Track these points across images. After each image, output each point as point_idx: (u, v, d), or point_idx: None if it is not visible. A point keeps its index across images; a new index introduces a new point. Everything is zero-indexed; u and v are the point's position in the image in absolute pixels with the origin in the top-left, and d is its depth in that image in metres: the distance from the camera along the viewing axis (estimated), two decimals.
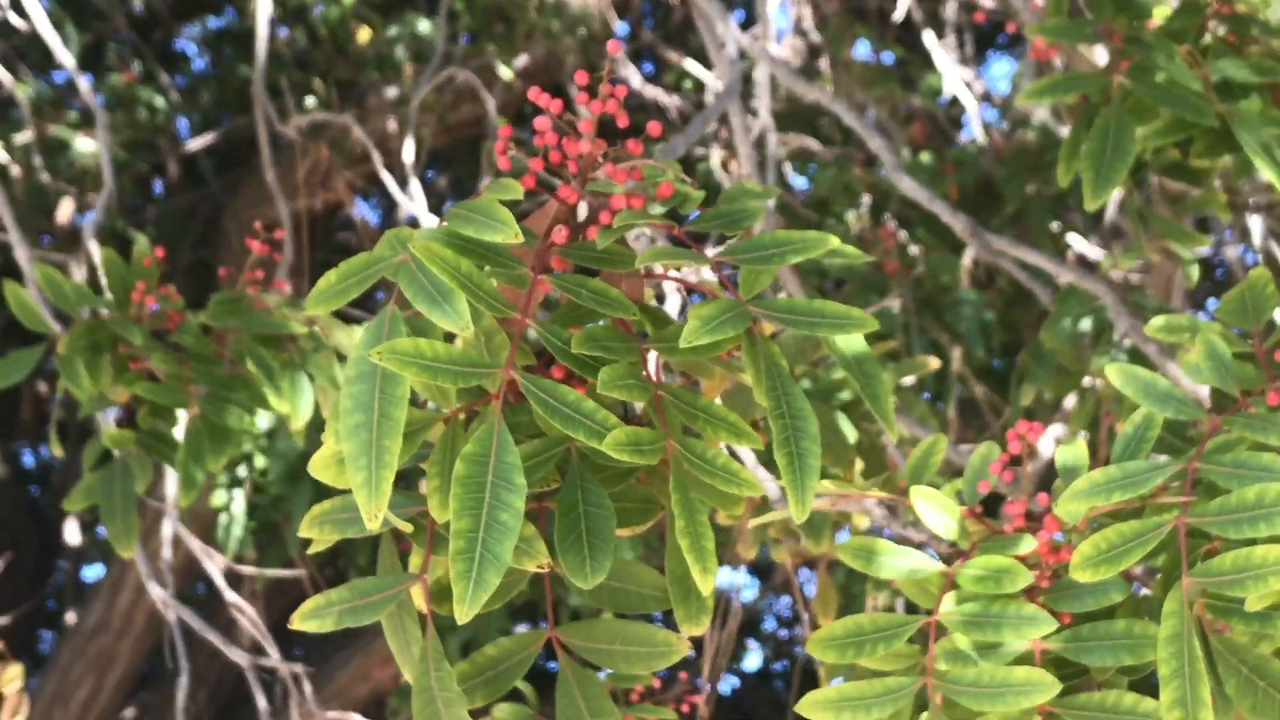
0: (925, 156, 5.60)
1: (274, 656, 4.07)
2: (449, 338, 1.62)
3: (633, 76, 6.94)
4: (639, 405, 1.68)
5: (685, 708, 3.19)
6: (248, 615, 4.20)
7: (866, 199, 5.71)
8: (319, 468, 1.63)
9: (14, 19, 5.67)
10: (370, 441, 1.54)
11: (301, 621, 1.65)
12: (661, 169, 1.70)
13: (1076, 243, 5.38)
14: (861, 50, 6.81)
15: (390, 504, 1.67)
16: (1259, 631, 1.70)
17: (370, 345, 1.56)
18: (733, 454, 2.22)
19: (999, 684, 1.66)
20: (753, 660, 10.34)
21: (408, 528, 1.65)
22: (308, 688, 4.17)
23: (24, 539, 8.49)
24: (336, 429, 1.56)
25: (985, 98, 6.77)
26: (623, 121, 1.69)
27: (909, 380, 4.09)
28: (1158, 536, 1.66)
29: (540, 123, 1.70)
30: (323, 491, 1.67)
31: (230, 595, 4.39)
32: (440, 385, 1.65)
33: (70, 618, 7.98)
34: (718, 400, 1.91)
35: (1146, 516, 1.70)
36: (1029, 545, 1.78)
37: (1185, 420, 1.81)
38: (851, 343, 1.72)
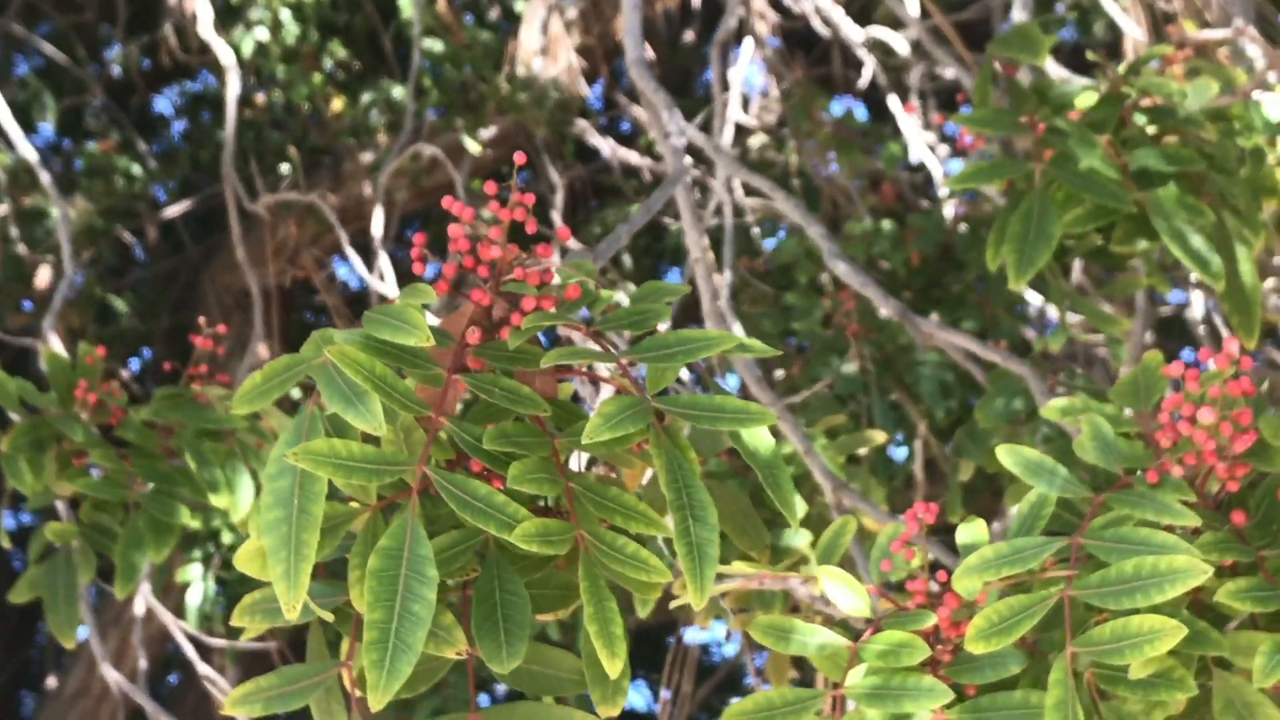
0: (886, 224, 5.68)
1: None
2: (368, 436, 1.71)
3: (601, 141, 7.04)
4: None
5: None
6: (219, 687, 4.27)
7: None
8: (244, 560, 1.72)
9: None
10: (289, 536, 1.63)
11: (232, 707, 1.73)
12: (572, 272, 1.80)
13: (1035, 299, 5.45)
14: (833, 109, 6.91)
15: (315, 593, 1.76)
16: (1146, 699, 1.78)
17: (290, 444, 1.64)
18: None
19: None
20: None
21: (329, 617, 1.73)
22: None
23: (3, 602, 8.53)
24: (259, 523, 1.65)
25: (959, 153, 6.86)
26: (531, 228, 1.78)
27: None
28: (1044, 609, 1.74)
29: (454, 230, 1.79)
30: None
31: (203, 668, 4.46)
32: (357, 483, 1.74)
33: (51, 681, 8.02)
34: (643, 482, 2.00)
35: (1035, 590, 1.79)
36: (929, 620, 1.86)
37: (1079, 500, 1.90)
38: (754, 437, 1.80)
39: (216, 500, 2.95)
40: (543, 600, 1.84)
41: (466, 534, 1.75)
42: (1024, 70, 3.50)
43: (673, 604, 1.99)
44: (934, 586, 1.91)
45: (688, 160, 3.18)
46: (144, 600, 4.56)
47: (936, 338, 3.26)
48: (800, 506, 3.05)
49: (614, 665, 1.69)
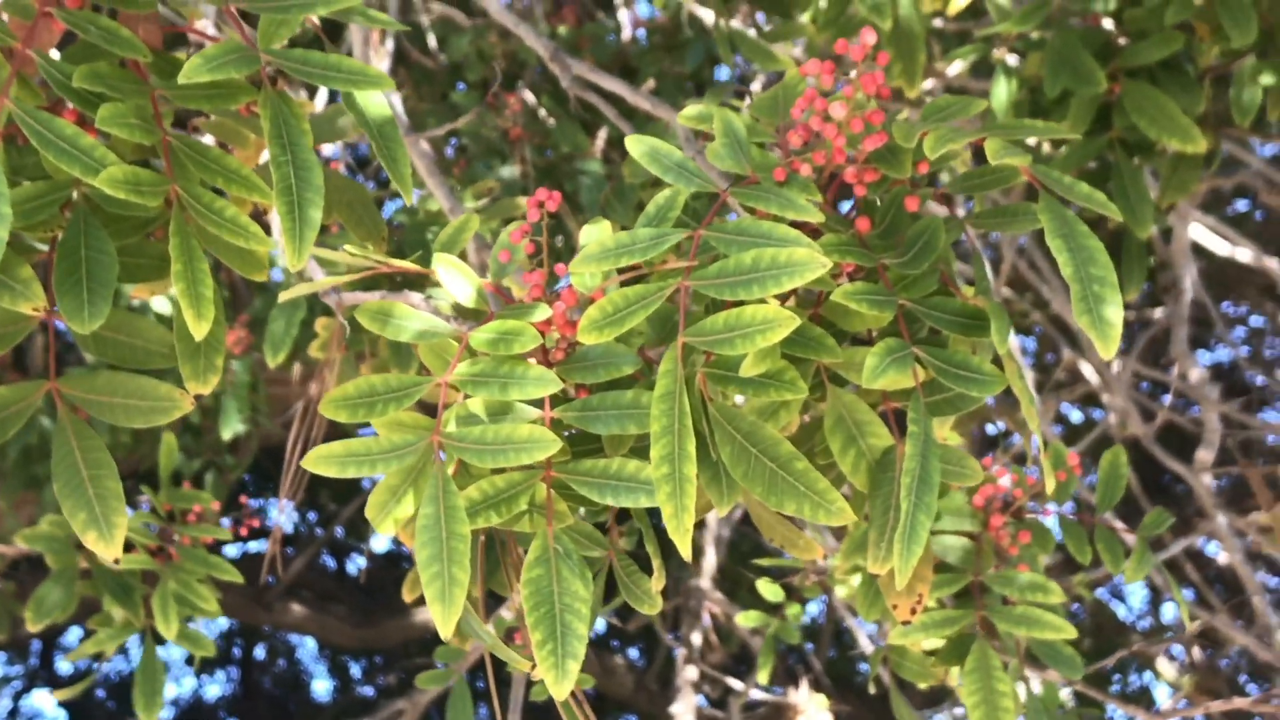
0: (563, 29, 5.60)
1: None
2: None
3: None
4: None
5: (244, 531, 3.23)
6: None
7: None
8: None
9: None
10: None
11: None
12: None
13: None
14: None
15: None
16: (755, 400, 1.75)
17: None
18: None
19: (503, 441, 1.67)
20: None
21: None
22: None
23: None
24: None
25: None
26: None
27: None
28: (660, 299, 1.67)
29: None
30: None
31: None
32: None
33: None
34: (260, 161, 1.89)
35: (653, 282, 1.72)
36: (544, 313, 1.78)
37: (708, 195, 1.84)
38: (371, 103, 1.71)
39: None
40: (136, 269, 1.74)
41: (53, 185, 1.63)
42: None
43: (285, 294, 1.89)
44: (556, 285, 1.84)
45: None
46: None
47: (585, 80, 3.16)
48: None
49: (199, 327, 1.60)
